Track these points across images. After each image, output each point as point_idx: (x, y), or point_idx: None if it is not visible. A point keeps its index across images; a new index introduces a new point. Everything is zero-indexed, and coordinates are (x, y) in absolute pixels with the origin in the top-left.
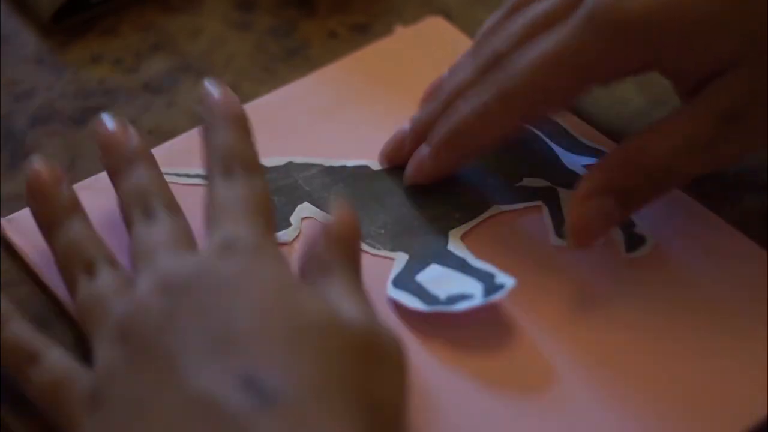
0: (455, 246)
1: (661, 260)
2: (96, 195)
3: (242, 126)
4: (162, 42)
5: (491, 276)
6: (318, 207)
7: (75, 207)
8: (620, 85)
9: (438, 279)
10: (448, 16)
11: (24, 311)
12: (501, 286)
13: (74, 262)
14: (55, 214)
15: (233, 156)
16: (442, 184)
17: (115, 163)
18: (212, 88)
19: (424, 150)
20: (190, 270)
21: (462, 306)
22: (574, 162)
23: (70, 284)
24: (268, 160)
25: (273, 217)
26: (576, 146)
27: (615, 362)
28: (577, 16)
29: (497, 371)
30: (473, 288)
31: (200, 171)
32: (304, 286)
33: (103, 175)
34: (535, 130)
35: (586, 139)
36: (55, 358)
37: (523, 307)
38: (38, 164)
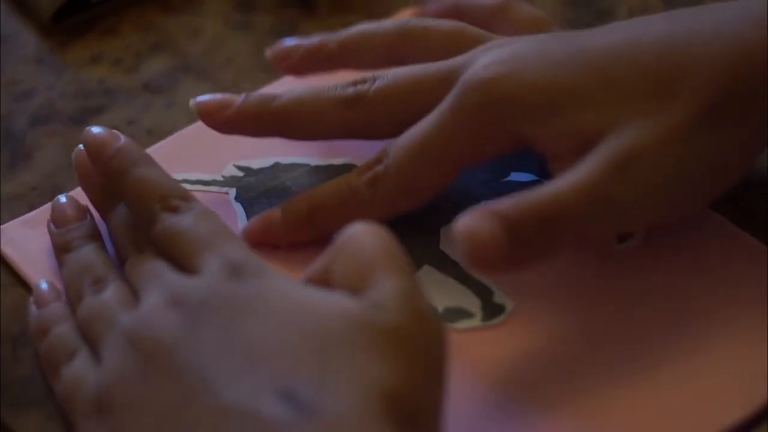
0: (447, 246)
1: (658, 254)
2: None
3: (152, 162)
4: (162, 42)
5: (489, 292)
6: None
7: (93, 237)
8: None
9: (433, 284)
10: None
11: (21, 312)
12: (501, 308)
13: (83, 278)
14: (71, 240)
15: (170, 191)
16: None
17: (102, 196)
18: (93, 136)
19: (276, 214)
20: (204, 292)
21: (462, 325)
22: None
23: (75, 297)
24: (254, 161)
25: (238, 237)
26: None
27: (610, 355)
28: (445, 102)
29: (489, 364)
30: (471, 304)
31: (187, 176)
32: (317, 293)
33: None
34: None
35: None
36: (82, 358)
37: (514, 301)
38: (64, 200)
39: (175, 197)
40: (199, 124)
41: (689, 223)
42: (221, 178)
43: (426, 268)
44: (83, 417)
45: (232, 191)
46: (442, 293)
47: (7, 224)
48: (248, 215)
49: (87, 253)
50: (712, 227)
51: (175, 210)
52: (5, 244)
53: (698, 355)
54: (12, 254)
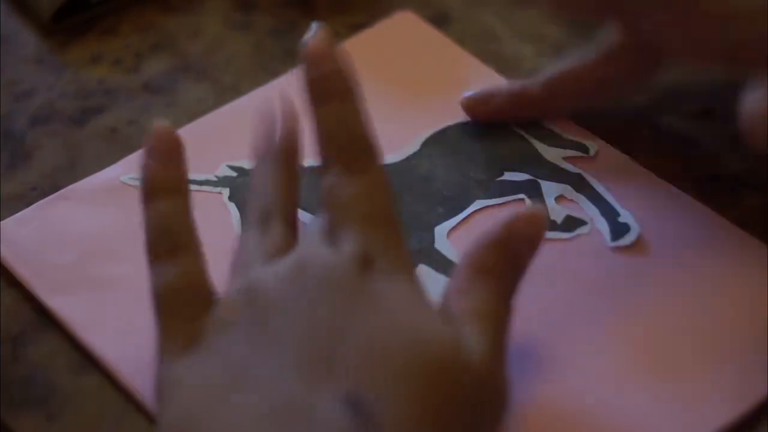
0: (443, 244)
1: (658, 254)
2: (76, 204)
3: (356, 102)
4: (162, 42)
5: None
6: (302, 208)
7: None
8: None
9: (428, 283)
10: (448, 16)
11: (21, 312)
12: None
13: (256, 207)
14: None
15: (353, 143)
16: (423, 179)
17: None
18: (314, 45)
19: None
20: (326, 270)
21: None
22: (554, 154)
23: (244, 221)
24: (248, 161)
25: (401, 222)
26: (556, 140)
27: (608, 352)
28: None
29: None
30: None
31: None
32: (436, 313)
33: (85, 183)
34: (514, 126)
35: (565, 132)
36: (190, 264)
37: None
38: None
39: (357, 151)
40: (193, 125)
41: (689, 223)
42: (214, 178)
43: (422, 267)
44: (170, 339)
45: (226, 191)
46: (438, 293)
47: (2, 222)
48: (242, 215)
49: (274, 183)
50: (712, 227)
51: (349, 166)
52: (3, 243)
53: (698, 353)
54: (7, 254)
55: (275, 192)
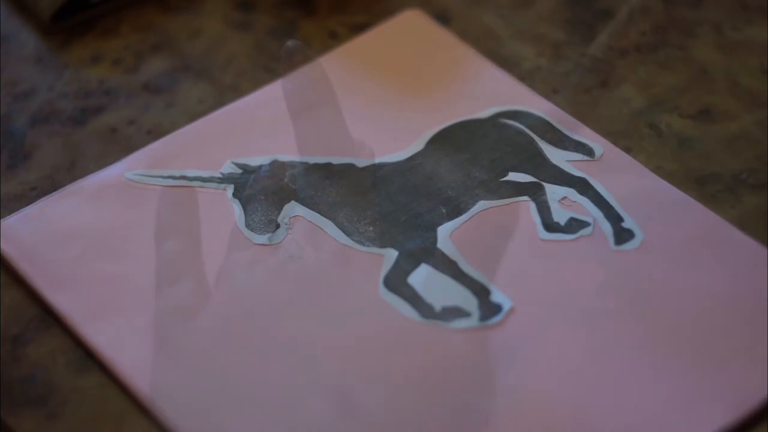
0: (445, 245)
1: (658, 255)
2: (79, 202)
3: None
4: (162, 42)
5: (486, 291)
6: (305, 206)
7: None
8: (620, 85)
9: (430, 282)
10: (448, 16)
11: (21, 312)
12: (498, 308)
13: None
14: None
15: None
16: (427, 179)
17: None
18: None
19: None
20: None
21: (459, 325)
22: (559, 157)
23: None
24: (252, 159)
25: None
26: (561, 140)
27: (609, 354)
28: None
29: (487, 363)
30: (469, 303)
31: (186, 172)
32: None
33: (89, 180)
34: (519, 125)
35: (571, 132)
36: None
37: (514, 302)
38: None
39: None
40: (198, 123)
41: (689, 223)
42: (219, 175)
43: (423, 266)
44: None
45: (230, 188)
46: (440, 292)
47: (4, 219)
48: (245, 212)
49: None
50: (712, 227)
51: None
52: (3, 241)
53: (698, 354)
54: (9, 250)
55: None
